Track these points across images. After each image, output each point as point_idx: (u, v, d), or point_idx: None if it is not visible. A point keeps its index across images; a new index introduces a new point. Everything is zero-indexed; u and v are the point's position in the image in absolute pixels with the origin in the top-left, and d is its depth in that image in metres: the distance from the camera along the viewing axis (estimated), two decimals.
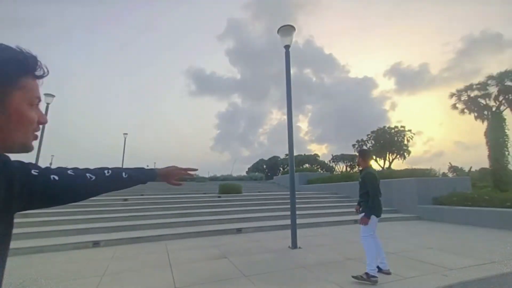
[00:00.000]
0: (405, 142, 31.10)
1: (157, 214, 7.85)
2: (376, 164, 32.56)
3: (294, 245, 4.97)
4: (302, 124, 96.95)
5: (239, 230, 6.57)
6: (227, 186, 12.88)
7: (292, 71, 5.70)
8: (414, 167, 14.24)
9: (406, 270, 3.51)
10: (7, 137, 0.52)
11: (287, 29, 5.54)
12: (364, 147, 32.82)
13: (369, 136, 32.97)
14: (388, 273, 3.34)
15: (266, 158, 55.04)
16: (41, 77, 0.57)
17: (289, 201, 10.91)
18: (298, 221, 7.82)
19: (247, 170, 55.45)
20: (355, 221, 7.95)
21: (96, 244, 5.57)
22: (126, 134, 20.63)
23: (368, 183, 3.42)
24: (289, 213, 8.25)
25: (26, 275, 3.67)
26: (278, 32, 5.66)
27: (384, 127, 32.24)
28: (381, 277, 3.21)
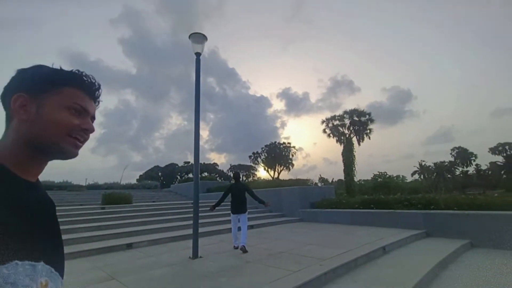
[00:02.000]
0: (291, 156, 36.58)
1: None
2: (267, 174, 36.46)
3: (195, 255, 4.83)
4: (203, 132, 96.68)
5: (129, 246, 5.75)
6: (114, 196, 11.05)
7: (194, 78, 5.64)
8: (297, 177, 16.96)
9: (294, 265, 4.09)
10: (40, 134, 0.56)
11: (199, 37, 5.53)
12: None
13: (263, 149, 36.73)
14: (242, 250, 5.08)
15: (162, 165, 51.03)
16: (88, 91, 0.63)
17: (188, 210, 10.53)
18: (199, 229, 7.69)
19: (138, 177, 49.53)
20: (251, 226, 8.57)
21: None
22: None
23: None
24: (188, 222, 7.98)
25: None
26: (189, 37, 5.56)
27: (275, 142, 36.87)
28: (277, 273, 3.62)
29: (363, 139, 25.37)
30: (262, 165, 37.03)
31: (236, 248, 5.47)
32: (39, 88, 0.58)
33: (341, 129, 25.46)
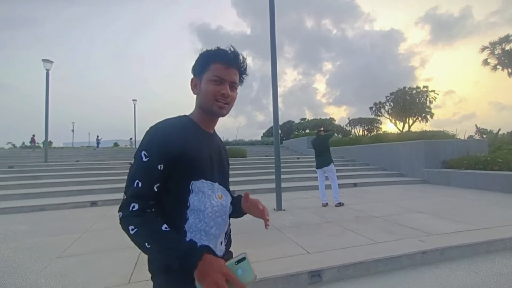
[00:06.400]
0: (428, 103, 28.94)
1: None
2: (394, 127, 31.14)
3: (279, 207, 4.93)
4: (319, 85, 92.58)
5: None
6: (231, 151, 12.90)
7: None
8: (444, 129, 13.04)
9: (382, 234, 3.33)
10: (203, 102, 0.81)
11: None
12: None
13: (387, 97, 30.96)
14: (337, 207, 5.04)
15: (280, 123, 54.28)
16: (225, 62, 0.79)
17: (292, 164, 10.81)
18: (296, 183, 7.81)
19: (262, 135, 55.50)
20: (355, 184, 7.75)
21: (94, 204, 5.88)
22: (135, 100, 20.83)
23: None
24: (288, 176, 8.21)
25: (16, 230, 3.94)
26: None
27: (404, 88, 29.93)
28: (352, 240, 3.08)
29: None
30: (387, 116, 31.55)
31: (324, 205, 5.14)
32: (200, 70, 0.81)
33: None
